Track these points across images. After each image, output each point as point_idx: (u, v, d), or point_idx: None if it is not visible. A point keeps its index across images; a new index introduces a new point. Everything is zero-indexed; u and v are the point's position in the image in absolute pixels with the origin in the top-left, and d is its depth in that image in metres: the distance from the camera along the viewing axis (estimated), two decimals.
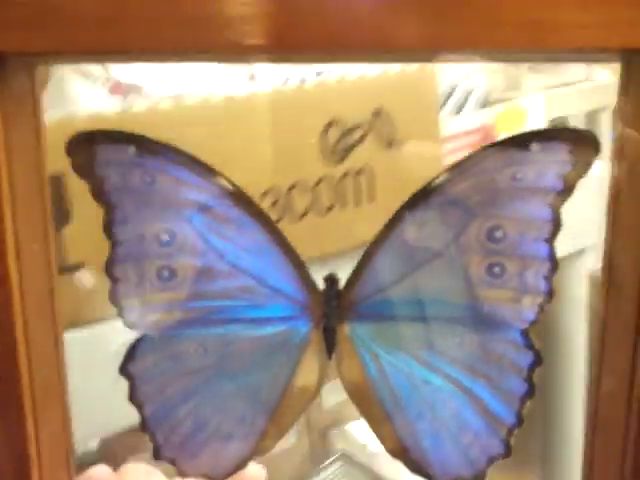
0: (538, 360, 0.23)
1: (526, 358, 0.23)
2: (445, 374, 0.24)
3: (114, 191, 0.22)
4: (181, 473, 0.25)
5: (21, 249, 0.21)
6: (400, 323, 0.24)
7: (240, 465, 0.26)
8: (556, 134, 0.22)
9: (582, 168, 0.22)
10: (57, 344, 0.23)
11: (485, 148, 0.22)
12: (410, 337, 0.24)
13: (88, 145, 0.21)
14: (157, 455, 0.25)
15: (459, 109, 0.74)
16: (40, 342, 0.22)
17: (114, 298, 0.23)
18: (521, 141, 0.22)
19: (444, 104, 0.72)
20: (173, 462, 0.25)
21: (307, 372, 0.25)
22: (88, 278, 0.38)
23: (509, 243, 0.23)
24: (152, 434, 0.25)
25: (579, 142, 0.21)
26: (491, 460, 0.25)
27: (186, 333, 0.24)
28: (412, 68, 0.56)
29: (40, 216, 0.22)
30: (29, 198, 0.21)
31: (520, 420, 0.24)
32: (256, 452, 0.26)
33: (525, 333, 0.23)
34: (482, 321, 0.23)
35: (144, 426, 0.25)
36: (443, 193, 0.22)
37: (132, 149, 0.21)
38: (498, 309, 0.23)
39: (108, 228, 0.22)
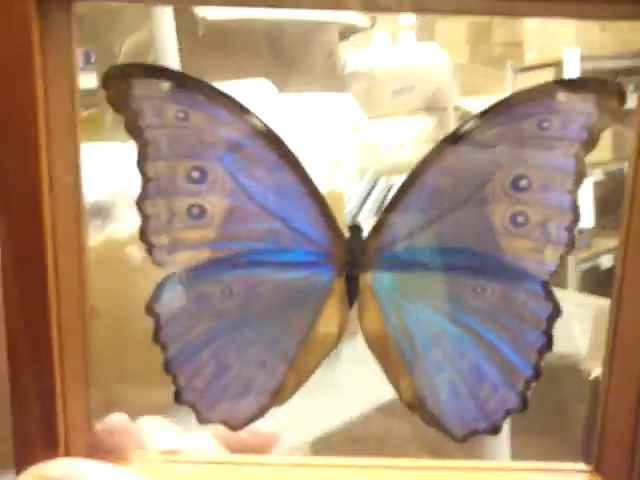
0: (557, 312, 0.24)
1: (546, 309, 0.24)
2: (465, 325, 0.25)
3: (148, 126, 0.22)
4: (200, 418, 0.26)
5: (54, 181, 0.22)
6: (423, 273, 0.25)
7: (258, 414, 0.26)
8: (583, 84, 0.22)
9: (607, 119, 0.22)
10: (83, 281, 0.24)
11: (513, 95, 0.22)
12: (432, 287, 0.25)
13: (123, 78, 0.22)
14: (178, 398, 0.25)
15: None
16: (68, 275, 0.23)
17: (144, 235, 0.23)
18: (549, 90, 0.22)
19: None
20: (193, 406, 0.25)
21: (328, 321, 0.25)
22: (137, 254, 0.38)
23: (533, 193, 0.23)
24: (174, 376, 0.25)
25: (605, 93, 0.22)
26: (507, 413, 0.25)
27: (213, 273, 0.24)
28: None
29: (72, 149, 0.22)
30: (63, 128, 0.22)
31: (537, 373, 0.24)
32: (275, 402, 0.26)
33: (545, 284, 0.24)
34: (504, 271, 0.24)
35: (167, 367, 0.25)
36: (471, 139, 0.23)
37: (167, 84, 0.22)
38: (521, 259, 0.24)
39: (141, 164, 0.23)
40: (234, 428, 0.26)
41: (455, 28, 1.66)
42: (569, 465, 0.26)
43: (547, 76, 1.46)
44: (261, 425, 0.27)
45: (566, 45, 1.46)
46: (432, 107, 0.76)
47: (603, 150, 1.55)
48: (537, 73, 1.51)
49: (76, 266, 0.23)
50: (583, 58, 1.48)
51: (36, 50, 0.21)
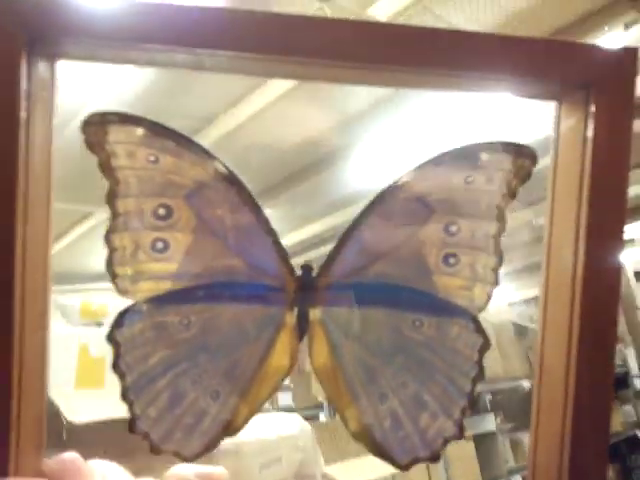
0: (487, 344, 0.26)
1: (477, 342, 0.26)
2: (406, 356, 0.27)
3: (120, 167, 0.25)
4: (153, 448, 0.26)
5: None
6: (367, 308, 0.27)
7: (210, 446, 0.27)
8: (502, 147, 0.26)
9: (522, 176, 0.26)
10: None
11: (443, 154, 0.26)
12: (375, 322, 0.27)
13: (101, 125, 0.24)
14: (132, 428, 0.26)
15: None
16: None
17: (110, 266, 0.25)
18: (473, 150, 0.26)
19: None
20: (147, 436, 0.26)
21: (280, 353, 0.27)
22: None
23: (463, 237, 0.26)
24: (131, 404, 0.26)
25: (520, 154, 0.26)
26: (446, 441, 0.27)
27: (173, 304, 0.26)
28: None
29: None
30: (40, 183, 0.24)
31: (472, 401, 0.26)
32: (227, 433, 0.27)
33: (475, 319, 0.26)
34: (439, 306, 0.26)
35: (124, 395, 0.26)
36: (407, 190, 0.26)
37: (140, 130, 0.25)
38: (453, 296, 0.26)
39: (111, 200, 0.25)
40: (185, 459, 0.27)
41: None
42: None
43: None
44: (212, 470, 0.28)
45: None
46: (300, 476, 0.78)
47: None
48: None
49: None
50: None
51: (22, 100, 0.23)
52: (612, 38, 1.79)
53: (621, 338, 3.08)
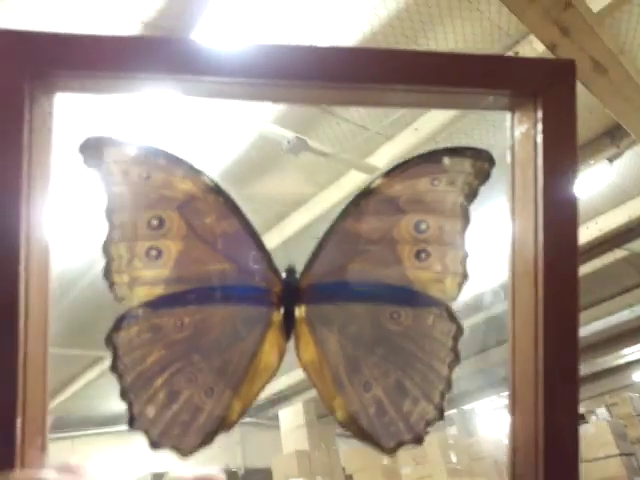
0: (461, 331, 0.29)
1: (451, 329, 0.29)
2: (387, 347, 0.29)
3: (116, 184, 0.27)
4: (152, 444, 0.28)
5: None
6: (348, 304, 0.29)
7: (206, 440, 0.29)
8: (462, 151, 0.29)
9: (481, 176, 0.28)
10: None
11: (410, 160, 0.28)
12: (356, 316, 0.29)
13: (98, 147, 0.27)
14: (132, 425, 0.28)
15: None
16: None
17: (107, 274, 0.27)
18: (437, 156, 0.29)
19: None
20: (146, 432, 0.28)
21: (269, 350, 0.29)
22: None
23: (432, 234, 0.29)
24: (130, 403, 0.28)
25: (478, 157, 0.28)
26: (428, 424, 0.29)
27: (167, 307, 0.28)
28: None
29: None
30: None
31: (449, 385, 0.28)
32: (222, 427, 0.29)
33: (448, 308, 0.29)
34: (414, 298, 0.29)
35: (122, 395, 0.28)
36: (379, 194, 0.28)
37: (133, 151, 0.27)
38: (427, 288, 0.29)
39: (108, 214, 0.27)
40: (183, 454, 0.28)
41: None
42: None
43: None
44: (209, 471, 0.29)
45: None
46: None
47: None
48: None
49: None
50: None
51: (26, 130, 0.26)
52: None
53: None
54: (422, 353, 0.29)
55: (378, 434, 0.29)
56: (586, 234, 2.43)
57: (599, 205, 2.43)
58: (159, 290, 0.28)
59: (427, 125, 1.78)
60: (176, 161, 0.28)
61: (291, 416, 3.20)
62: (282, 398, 3.59)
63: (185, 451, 0.28)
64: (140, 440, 0.28)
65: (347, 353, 0.29)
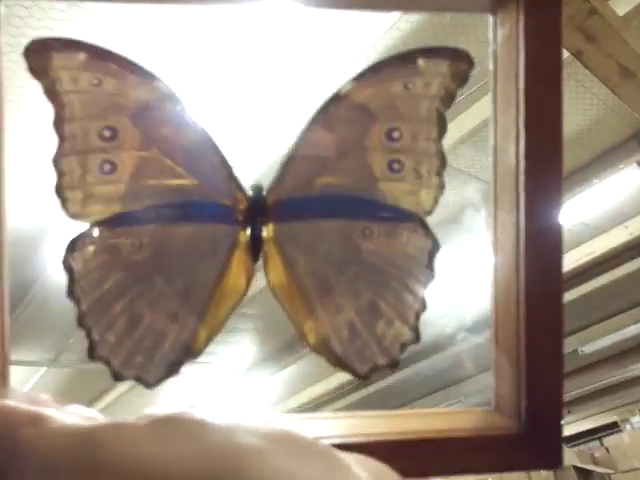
0: (437, 246, 0.27)
1: (426, 245, 0.27)
2: (358, 266, 0.27)
3: (65, 92, 0.25)
4: (115, 374, 0.27)
5: None
6: (317, 221, 0.28)
7: (172, 370, 0.27)
8: (438, 51, 0.27)
9: (459, 79, 0.27)
10: None
11: (380, 61, 0.27)
12: (326, 234, 0.28)
13: (44, 51, 0.25)
14: (92, 354, 0.26)
15: None
16: None
17: (59, 190, 0.25)
18: (410, 57, 0.27)
19: None
20: (108, 362, 0.26)
21: (236, 272, 0.27)
22: None
23: (405, 142, 0.27)
24: (88, 330, 0.26)
25: (456, 58, 0.26)
26: (403, 346, 0.27)
27: (124, 226, 0.26)
28: None
29: None
30: None
31: (424, 305, 0.27)
32: (188, 356, 0.27)
33: (423, 222, 0.27)
34: (387, 213, 0.27)
35: (80, 321, 0.26)
36: (348, 99, 0.27)
37: (83, 55, 0.25)
38: (400, 201, 0.27)
39: (57, 125, 0.25)
40: (148, 385, 0.27)
41: None
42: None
43: None
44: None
45: None
46: None
47: None
48: None
49: None
50: None
51: None
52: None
53: None
54: (396, 271, 0.27)
55: (352, 358, 0.27)
56: (616, 238, 2.41)
57: (629, 209, 2.40)
58: (115, 207, 0.26)
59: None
60: (129, 65, 0.26)
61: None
62: (314, 407, 3.60)
63: (150, 382, 0.27)
64: None
65: (317, 274, 0.27)
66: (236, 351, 2.86)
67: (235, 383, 3.26)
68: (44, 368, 3.14)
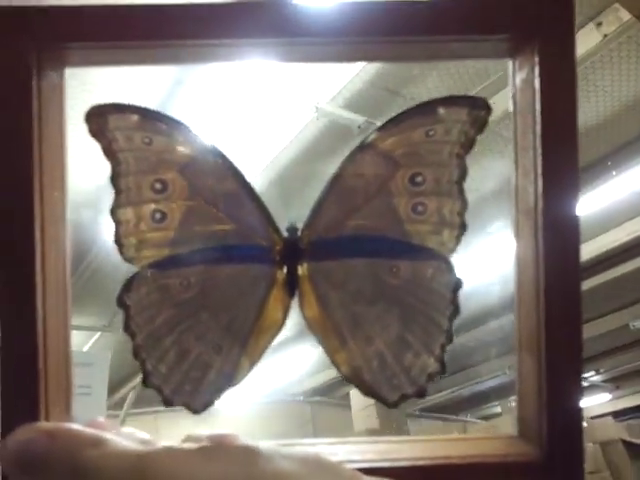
0: (460, 283, 0.29)
1: (450, 281, 0.29)
2: (387, 301, 0.29)
3: (120, 150, 0.28)
4: (165, 401, 0.29)
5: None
6: (348, 260, 0.30)
7: (217, 396, 0.30)
8: (457, 100, 0.29)
9: (478, 125, 0.28)
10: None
11: (403, 112, 0.29)
12: (356, 271, 0.30)
13: (101, 114, 0.28)
14: (146, 382, 0.29)
15: None
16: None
17: (117, 238, 0.29)
18: (431, 106, 0.29)
19: None
20: (159, 390, 0.29)
21: (274, 307, 0.30)
22: None
23: (428, 186, 0.29)
24: (142, 361, 0.29)
25: (475, 105, 0.28)
26: (430, 377, 0.29)
27: (173, 268, 0.29)
28: None
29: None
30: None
31: (450, 338, 0.29)
32: (231, 383, 0.30)
33: (447, 260, 0.29)
34: (413, 252, 0.29)
35: (135, 353, 0.29)
36: (374, 147, 0.29)
37: (135, 117, 0.28)
38: (425, 240, 0.29)
39: (114, 179, 0.28)
40: (195, 411, 0.30)
41: None
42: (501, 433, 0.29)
43: None
44: (224, 432, 0.30)
45: None
46: None
47: None
48: None
49: None
50: None
51: (35, 108, 0.27)
52: None
53: None
54: (422, 306, 0.29)
55: (381, 387, 0.29)
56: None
57: None
58: (165, 251, 0.29)
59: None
60: (176, 125, 0.29)
61: (361, 395, 3.21)
62: None
63: (197, 408, 0.29)
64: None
65: (349, 309, 0.30)
66: None
67: (275, 354, 3.30)
68: (99, 333, 3.25)
